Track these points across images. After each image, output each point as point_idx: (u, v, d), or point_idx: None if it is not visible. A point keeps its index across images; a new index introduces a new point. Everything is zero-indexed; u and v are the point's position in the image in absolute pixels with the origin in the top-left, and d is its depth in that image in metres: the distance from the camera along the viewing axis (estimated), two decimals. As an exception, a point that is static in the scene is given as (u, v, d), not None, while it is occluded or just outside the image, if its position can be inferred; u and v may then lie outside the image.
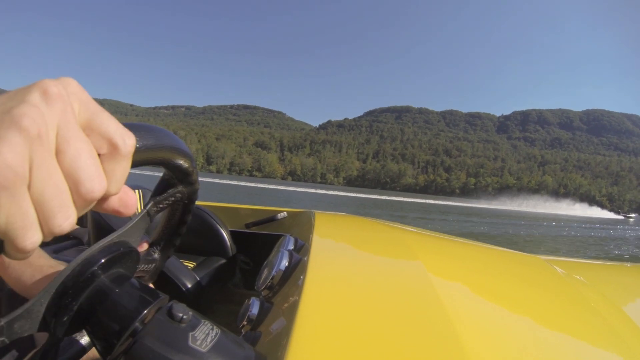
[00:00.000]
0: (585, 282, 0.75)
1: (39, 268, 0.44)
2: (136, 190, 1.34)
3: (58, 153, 0.21)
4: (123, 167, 0.24)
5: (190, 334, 0.30)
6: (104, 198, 0.24)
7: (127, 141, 0.24)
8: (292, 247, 0.69)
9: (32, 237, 0.20)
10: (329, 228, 0.83)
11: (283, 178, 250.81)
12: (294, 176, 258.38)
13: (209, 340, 0.30)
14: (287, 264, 0.59)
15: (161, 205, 0.40)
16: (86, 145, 0.22)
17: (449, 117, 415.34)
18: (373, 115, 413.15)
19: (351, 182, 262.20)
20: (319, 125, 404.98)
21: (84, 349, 0.36)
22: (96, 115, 0.23)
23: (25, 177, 0.19)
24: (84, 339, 0.38)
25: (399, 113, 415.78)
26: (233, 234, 1.57)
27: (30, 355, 0.31)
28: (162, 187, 0.39)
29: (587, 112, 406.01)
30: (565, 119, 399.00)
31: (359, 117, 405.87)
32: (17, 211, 0.19)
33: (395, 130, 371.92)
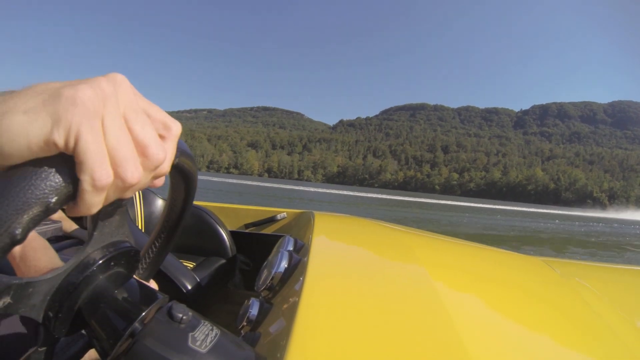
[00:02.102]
0: (584, 283, 0.76)
1: (38, 269, 0.46)
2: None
3: (126, 122, 0.24)
4: (172, 148, 0.28)
5: (190, 334, 0.30)
6: (156, 174, 0.27)
7: (176, 125, 0.28)
8: (291, 248, 0.70)
9: (106, 171, 0.23)
10: (329, 229, 0.83)
11: (259, 175, 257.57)
12: (270, 173, 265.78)
13: (208, 340, 0.31)
14: (286, 265, 0.59)
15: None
16: (149, 120, 0.26)
17: (465, 114, 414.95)
18: (388, 114, 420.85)
19: (330, 179, 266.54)
20: (332, 125, 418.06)
21: (83, 349, 0.37)
22: (149, 104, 0.27)
23: (101, 114, 0.22)
24: (84, 339, 0.38)
25: (414, 111, 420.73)
26: (233, 235, 1.58)
27: (28, 354, 0.31)
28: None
29: (612, 104, 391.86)
30: (588, 112, 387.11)
31: (374, 116, 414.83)
32: (96, 144, 0.22)
33: (404, 128, 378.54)
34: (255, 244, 1.59)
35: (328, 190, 55.13)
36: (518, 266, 0.81)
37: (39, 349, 0.30)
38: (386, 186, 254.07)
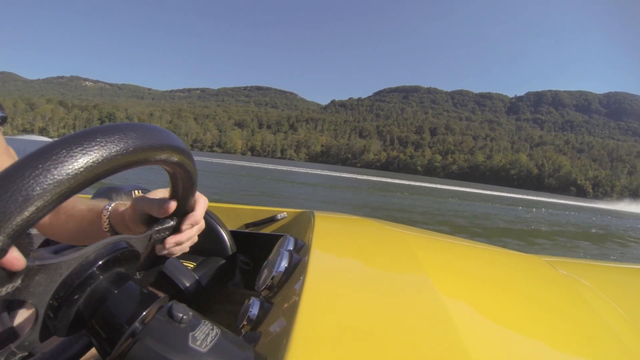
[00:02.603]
0: (585, 283, 0.76)
1: (81, 215, 0.47)
2: (136, 191, 1.36)
3: None
4: None
5: (190, 334, 0.30)
6: None
7: None
8: (292, 248, 0.70)
9: None
10: (329, 228, 0.83)
11: (243, 153, 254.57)
12: (253, 152, 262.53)
13: (208, 340, 0.31)
14: (287, 265, 0.58)
15: (162, 235, 0.44)
16: None
17: (458, 97, 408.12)
18: (381, 95, 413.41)
19: (314, 159, 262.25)
20: (324, 106, 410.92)
21: (84, 349, 0.37)
22: None
23: None
24: (84, 339, 0.39)
25: (407, 93, 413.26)
26: (233, 234, 1.57)
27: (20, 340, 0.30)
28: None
29: (608, 95, 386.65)
30: (583, 102, 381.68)
31: (367, 98, 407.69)
32: None
33: (395, 109, 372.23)
34: (256, 244, 1.59)
35: (305, 170, 51.71)
36: (519, 266, 0.80)
37: (25, 342, 0.29)
38: (369, 166, 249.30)
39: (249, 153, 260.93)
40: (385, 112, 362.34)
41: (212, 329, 0.32)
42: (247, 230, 1.62)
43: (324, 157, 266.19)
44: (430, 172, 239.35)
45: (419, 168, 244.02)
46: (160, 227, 0.43)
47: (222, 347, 0.31)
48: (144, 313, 0.31)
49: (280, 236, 0.86)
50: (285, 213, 1.57)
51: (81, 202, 0.49)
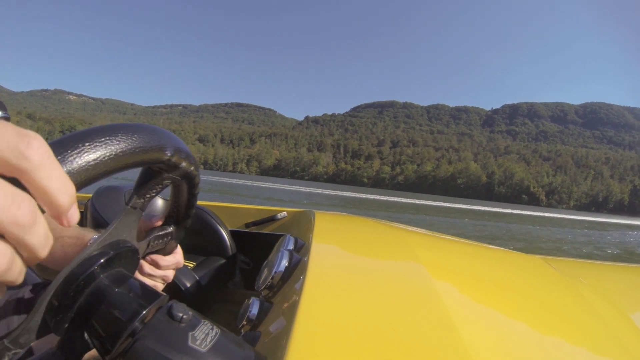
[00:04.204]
0: (585, 282, 0.76)
1: (66, 240, 0.47)
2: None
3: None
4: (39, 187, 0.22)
5: (190, 333, 0.30)
6: None
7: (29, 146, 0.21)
8: (292, 247, 0.70)
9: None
10: (329, 228, 0.83)
11: None
12: (206, 165, 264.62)
13: (208, 340, 0.31)
14: (287, 264, 0.58)
15: (148, 195, 0.40)
16: None
17: (434, 112, 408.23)
18: (357, 110, 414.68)
19: (265, 172, 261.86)
20: (298, 123, 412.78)
21: (83, 349, 0.37)
22: None
23: None
24: (84, 339, 0.39)
25: (382, 108, 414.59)
26: (233, 234, 1.58)
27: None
28: (143, 178, 0.39)
29: (584, 106, 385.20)
30: (559, 112, 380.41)
31: (344, 113, 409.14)
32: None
33: (366, 124, 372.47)
34: (256, 243, 1.59)
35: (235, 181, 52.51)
36: (518, 265, 0.80)
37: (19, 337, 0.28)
38: (317, 179, 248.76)
39: (202, 167, 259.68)
40: (355, 127, 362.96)
41: (212, 329, 0.32)
42: (247, 230, 1.61)
43: (276, 171, 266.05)
44: (378, 183, 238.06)
45: (365, 180, 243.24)
46: (158, 233, 0.43)
47: (222, 346, 0.31)
48: (144, 312, 0.30)
49: (280, 236, 0.86)
50: (285, 212, 1.56)
51: (71, 228, 0.47)
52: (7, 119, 1.26)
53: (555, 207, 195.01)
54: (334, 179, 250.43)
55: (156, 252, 0.49)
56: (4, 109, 1.22)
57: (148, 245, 0.44)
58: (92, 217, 1.23)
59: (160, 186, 0.40)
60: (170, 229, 0.48)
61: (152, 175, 0.38)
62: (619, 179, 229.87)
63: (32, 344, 0.31)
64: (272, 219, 1.55)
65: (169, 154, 0.34)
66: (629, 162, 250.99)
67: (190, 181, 0.43)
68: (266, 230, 1.57)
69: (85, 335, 0.33)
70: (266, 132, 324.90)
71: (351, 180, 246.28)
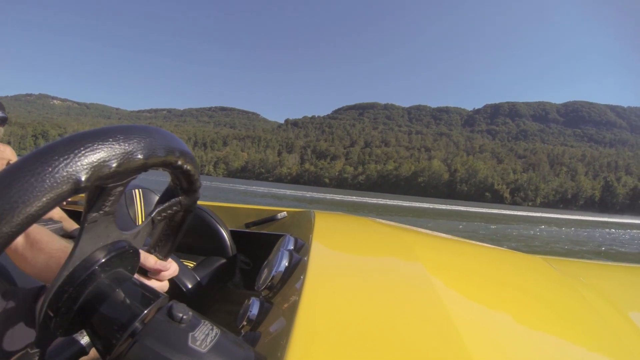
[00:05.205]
0: (585, 282, 0.76)
1: (52, 252, 0.47)
2: (136, 190, 1.39)
3: None
4: None
5: (190, 334, 0.30)
6: None
7: None
8: (292, 247, 0.70)
9: None
10: (329, 228, 0.83)
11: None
12: None
13: (208, 340, 0.31)
14: (287, 264, 0.59)
15: (164, 214, 0.41)
16: None
17: (415, 112, 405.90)
18: (339, 113, 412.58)
19: (232, 174, 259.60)
20: (278, 126, 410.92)
21: (83, 349, 0.37)
22: None
23: None
24: (84, 339, 0.39)
25: (364, 110, 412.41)
26: (233, 234, 1.58)
27: (19, 354, 0.31)
28: (167, 195, 0.40)
29: (566, 105, 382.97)
30: (540, 112, 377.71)
31: (325, 115, 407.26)
32: None
33: (345, 126, 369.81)
34: (256, 243, 1.60)
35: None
36: (518, 264, 0.80)
37: (30, 351, 0.30)
38: (280, 180, 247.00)
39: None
40: (332, 129, 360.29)
41: (212, 329, 0.32)
42: (247, 230, 1.62)
43: (243, 173, 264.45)
44: (341, 183, 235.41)
45: (327, 180, 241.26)
46: (161, 206, 0.41)
47: (222, 347, 0.31)
48: (144, 313, 0.30)
49: (280, 236, 0.86)
50: (285, 212, 1.57)
51: (56, 240, 0.50)
52: (5, 119, 1.34)
53: (520, 204, 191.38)
54: (297, 179, 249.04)
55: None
56: (2, 109, 1.28)
57: (153, 222, 0.43)
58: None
59: (175, 208, 0.42)
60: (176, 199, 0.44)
61: (173, 195, 0.40)
62: (594, 176, 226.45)
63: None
64: (272, 219, 1.56)
65: (195, 173, 0.35)
66: (605, 159, 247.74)
67: (188, 212, 0.44)
68: (266, 230, 1.58)
69: (86, 335, 0.33)
70: (240, 135, 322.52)
71: (314, 181, 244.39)
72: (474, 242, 0.97)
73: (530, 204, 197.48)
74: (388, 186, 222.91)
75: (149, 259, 0.44)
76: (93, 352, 0.37)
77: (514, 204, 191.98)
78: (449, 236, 0.98)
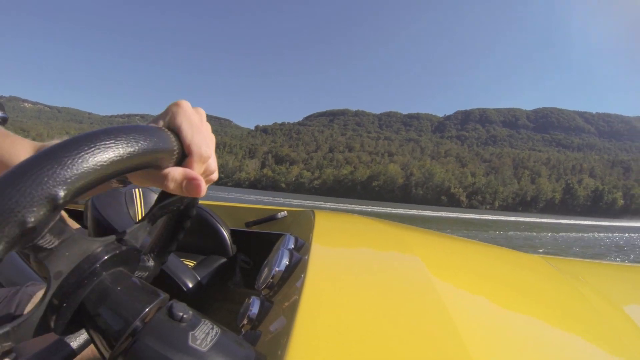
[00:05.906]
0: (584, 281, 0.76)
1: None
2: (136, 190, 1.40)
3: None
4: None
5: (191, 333, 0.30)
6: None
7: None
8: (292, 246, 0.69)
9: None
10: (330, 227, 0.83)
11: None
12: None
13: (209, 339, 0.30)
14: (287, 263, 0.58)
15: (165, 211, 0.41)
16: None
17: (386, 119, 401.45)
18: (309, 119, 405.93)
19: None
20: (248, 132, 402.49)
21: (83, 348, 0.37)
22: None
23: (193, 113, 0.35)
24: (84, 338, 0.38)
25: (334, 116, 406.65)
26: (233, 233, 1.58)
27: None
28: (167, 193, 0.39)
29: (536, 111, 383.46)
30: (510, 118, 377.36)
31: (296, 122, 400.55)
32: (198, 130, 0.33)
33: (312, 132, 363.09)
34: (256, 243, 1.59)
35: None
36: (518, 264, 0.80)
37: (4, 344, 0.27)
38: (239, 185, 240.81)
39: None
40: (300, 135, 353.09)
41: (212, 328, 0.32)
42: (247, 229, 1.61)
43: None
44: (298, 188, 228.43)
45: (283, 185, 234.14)
46: (160, 204, 0.40)
47: (222, 346, 0.31)
48: (145, 312, 0.30)
49: (281, 235, 0.85)
50: (285, 212, 1.56)
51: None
52: (5, 119, 1.32)
53: (477, 207, 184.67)
54: (255, 184, 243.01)
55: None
56: (3, 109, 1.27)
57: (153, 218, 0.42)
58: (93, 216, 1.23)
59: (176, 206, 0.42)
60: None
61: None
62: (557, 179, 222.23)
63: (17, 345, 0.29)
64: (272, 218, 1.55)
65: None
66: (571, 162, 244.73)
67: (189, 211, 0.44)
68: (266, 229, 1.58)
69: (86, 333, 0.33)
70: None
71: (271, 186, 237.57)
72: (474, 241, 0.97)
73: (487, 207, 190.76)
74: (344, 190, 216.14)
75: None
76: (93, 351, 0.37)
77: (471, 207, 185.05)
78: (449, 236, 0.98)
